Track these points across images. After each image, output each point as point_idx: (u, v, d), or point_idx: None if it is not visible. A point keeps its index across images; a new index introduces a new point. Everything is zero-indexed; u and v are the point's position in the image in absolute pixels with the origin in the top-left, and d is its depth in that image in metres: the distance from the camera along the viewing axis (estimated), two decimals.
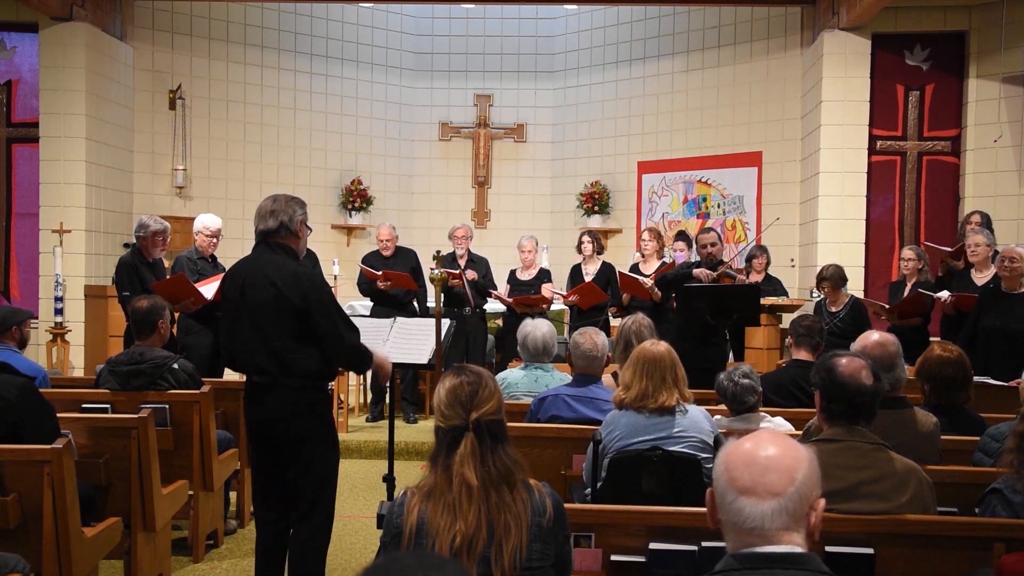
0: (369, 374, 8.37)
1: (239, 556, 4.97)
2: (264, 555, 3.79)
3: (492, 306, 8.37)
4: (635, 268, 7.70)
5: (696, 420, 3.51)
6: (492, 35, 11.48)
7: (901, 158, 8.97)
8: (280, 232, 3.72)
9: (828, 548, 2.66)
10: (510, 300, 7.87)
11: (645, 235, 7.73)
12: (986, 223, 7.17)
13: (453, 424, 2.31)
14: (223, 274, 6.59)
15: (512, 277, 8.21)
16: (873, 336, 3.66)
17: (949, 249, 7.39)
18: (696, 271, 6.66)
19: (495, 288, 8.12)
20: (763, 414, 4.00)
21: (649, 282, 7.25)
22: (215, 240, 6.69)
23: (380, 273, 7.69)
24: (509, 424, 2.47)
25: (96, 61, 8.78)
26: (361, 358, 3.84)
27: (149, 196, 9.74)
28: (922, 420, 3.50)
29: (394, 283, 7.73)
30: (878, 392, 2.85)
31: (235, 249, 9.76)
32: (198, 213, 7.10)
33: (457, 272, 7.79)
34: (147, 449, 4.13)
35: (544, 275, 8.17)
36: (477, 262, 8.17)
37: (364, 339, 4.43)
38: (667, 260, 7.74)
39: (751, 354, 7.26)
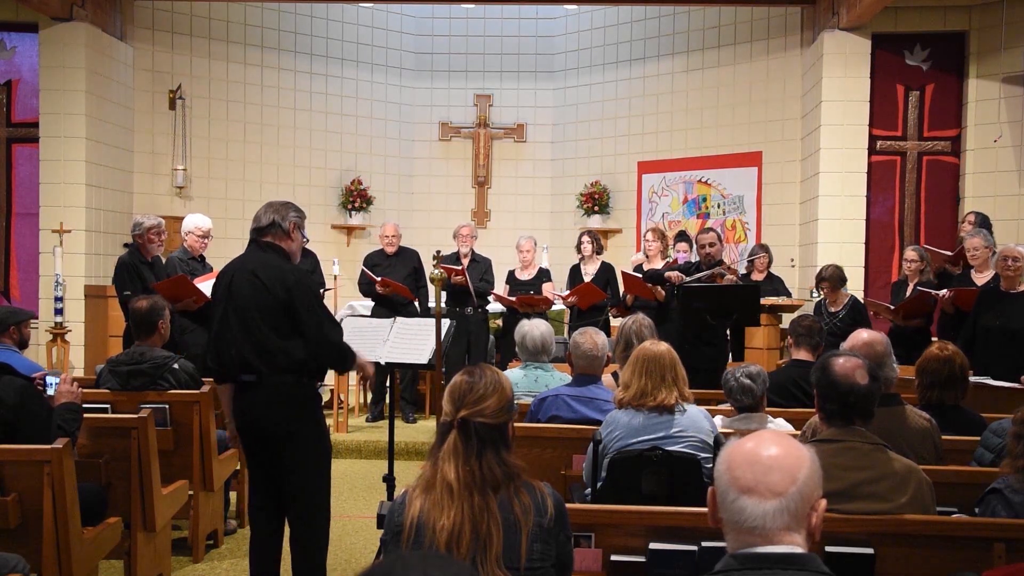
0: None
1: (239, 556, 4.96)
2: (259, 546, 3.79)
3: (492, 306, 8.37)
4: (639, 269, 7.69)
5: (696, 420, 3.51)
6: (492, 35, 11.47)
7: (901, 158, 8.96)
8: (271, 229, 3.74)
9: (828, 548, 2.66)
10: (513, 299, 7.86)
11: (649, 235, 7.71)
12: (982, 224, 7.15)
13: (446, 420, 2.34)
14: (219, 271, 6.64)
15: (511, 277, 8.20)
16: (862, 336, 3.68)
17: (949, 253, 7.38)
18: (668, 273, 6.73)
19: (492, 287, 8.12)
20: (767, 415, 4.00)
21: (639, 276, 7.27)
22: (206, 240, 6.71)
23: (379, 280, 7.74)
24: None
25: (96, 61, 8.78)
26: (343, 356, 3.82)
27: (149, 196, 9.74)
28: (913, 417, 3.51)
29: (391, 289, 7.79)
30: (873, 392, 2.85)
31: (235, 249, 9.71)
32: (198, 213, 7.11)
33: (460, 268, 7.78)
34: (147, 449, 4.13)
35: (544, 275, 8.16)
36: (479, 262, 8.17)
37: (364, 339, 4.41)
38: (670, 259, 7.73)
39: (751, 354, 7.24)
